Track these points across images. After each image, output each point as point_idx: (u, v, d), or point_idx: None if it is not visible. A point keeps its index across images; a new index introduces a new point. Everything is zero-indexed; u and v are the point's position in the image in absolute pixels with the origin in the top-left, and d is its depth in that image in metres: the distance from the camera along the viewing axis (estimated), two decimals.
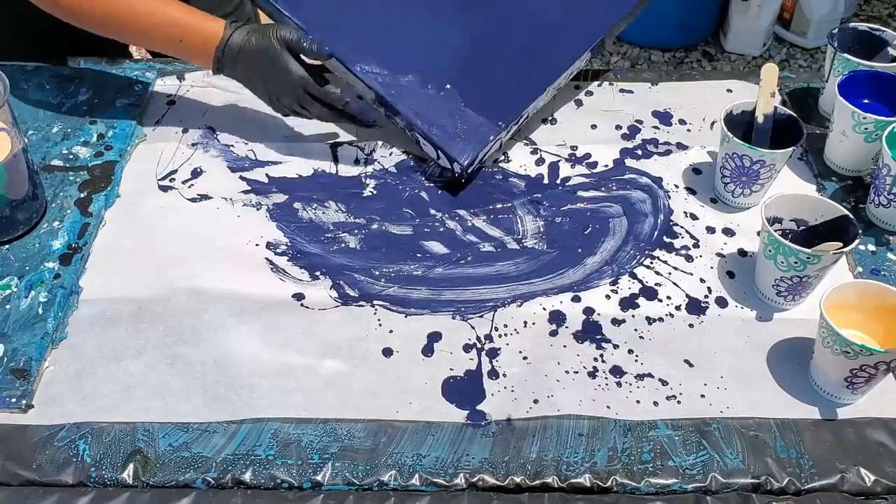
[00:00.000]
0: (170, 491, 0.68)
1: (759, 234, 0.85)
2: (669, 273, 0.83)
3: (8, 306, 0.79)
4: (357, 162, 0.94)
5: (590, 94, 1.03)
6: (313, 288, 0.81)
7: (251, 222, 0.87)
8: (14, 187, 0.82)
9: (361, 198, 0.90)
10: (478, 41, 0.95)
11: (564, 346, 0.77)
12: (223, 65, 0.89)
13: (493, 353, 0.76)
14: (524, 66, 0.94)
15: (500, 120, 0.90)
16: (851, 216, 0.77)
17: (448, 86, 0.92)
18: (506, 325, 0.79)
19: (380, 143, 0.96)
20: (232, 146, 0.95)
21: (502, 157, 0.95)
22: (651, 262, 0.84)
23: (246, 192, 0.90)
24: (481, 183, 0.92)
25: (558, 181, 0.92)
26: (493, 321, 0.79)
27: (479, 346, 0.77)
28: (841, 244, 0.76)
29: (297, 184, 0.91)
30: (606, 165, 0.94)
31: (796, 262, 0.75)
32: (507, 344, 0.77)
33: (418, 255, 0.85)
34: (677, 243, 0.86)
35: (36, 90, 0.99)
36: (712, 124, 0.99)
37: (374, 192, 0.91)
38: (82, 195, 0.88)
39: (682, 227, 0.88)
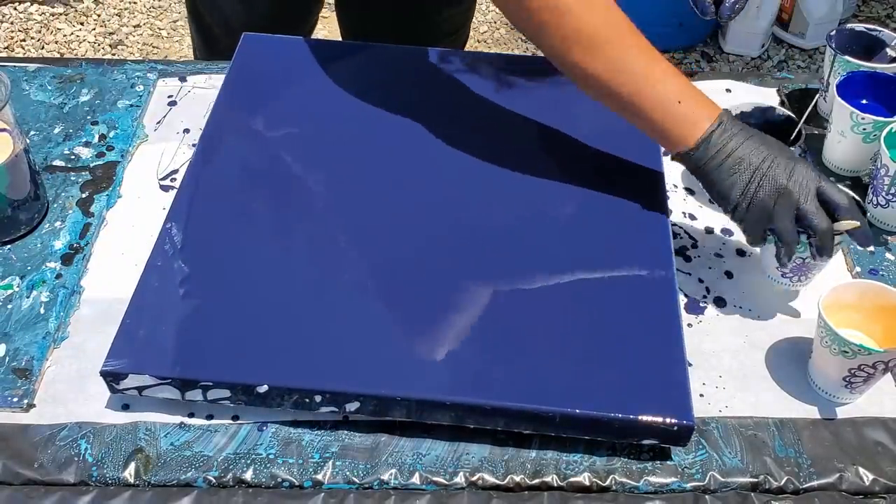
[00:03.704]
0: (171, 490, 0.68)
1: None
2: None
3: (10, 306, 0.79)
4: None
5: None
6: None
7: None
8: (16, 188, 0.82)
9: None
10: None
11: None
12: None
13: None
14: None
15: None
16: (857, 197, 0.76)
17: None
18: None
19: None
20: None
21: None
22: None
23: None
24: None
25: None
26: None
27: None
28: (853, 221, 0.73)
29: None
30: None
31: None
32: None
33: None
34: (676, 243, 0.86)
35: (37, 91, 1.00)
36: None
37: None
38: (84, 195, 0.89)
39: (680, 227, 0.88)
